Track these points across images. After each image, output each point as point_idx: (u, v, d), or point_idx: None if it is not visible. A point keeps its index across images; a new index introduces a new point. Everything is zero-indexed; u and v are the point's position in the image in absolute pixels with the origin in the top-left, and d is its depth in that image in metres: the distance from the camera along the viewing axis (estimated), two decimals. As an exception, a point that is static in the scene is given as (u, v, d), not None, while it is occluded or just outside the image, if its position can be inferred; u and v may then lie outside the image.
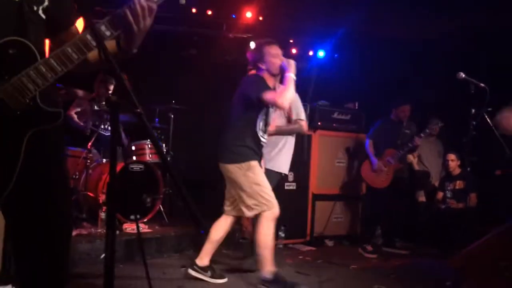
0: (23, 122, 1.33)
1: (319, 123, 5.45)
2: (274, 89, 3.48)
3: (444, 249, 4.69)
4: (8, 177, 1.33)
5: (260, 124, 3.44)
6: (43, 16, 1.45)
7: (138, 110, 1.19)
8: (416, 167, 5.99)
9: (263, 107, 3.41)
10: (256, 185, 3.32)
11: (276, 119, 4.07)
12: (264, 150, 3.78)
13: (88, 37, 1.36)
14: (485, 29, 5.41)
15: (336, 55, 7.07)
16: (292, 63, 3.33)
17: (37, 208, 1.46)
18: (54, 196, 1.51)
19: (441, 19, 5.45)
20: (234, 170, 3.38)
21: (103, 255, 3.70)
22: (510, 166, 4.62)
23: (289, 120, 4.15)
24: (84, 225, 4.08)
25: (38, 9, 1.43)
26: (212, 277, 3.47)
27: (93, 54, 1.43)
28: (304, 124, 4.14)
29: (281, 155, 4.17)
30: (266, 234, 3.30)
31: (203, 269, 3.48)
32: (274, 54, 3.39)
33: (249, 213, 3.38)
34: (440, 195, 5.59)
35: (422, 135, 5.11)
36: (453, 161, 5.49)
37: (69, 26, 1.55)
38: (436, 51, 5.88)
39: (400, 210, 5.22)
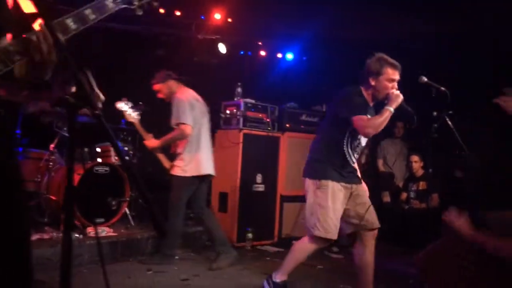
0: None
1: (287, 125, 5.49)
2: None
3: (407, 248, 4.80)
4: None
5: (349, 143, 3.09)
6: None
7: (96, 112, 1.16)
8: (381, 168, 6.13)
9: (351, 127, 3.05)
10: (320, 207, 3.05)
11: None
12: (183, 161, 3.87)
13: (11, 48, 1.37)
14: (449, 32, 5.58)
15: (304, 58, 7.15)
16: (398, 98, 3.02)
17: None
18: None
19: (406, 22, 5.59)
20: (308, 184, 3.16)
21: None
22: (469, 168, 4.78)
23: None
24: (46, 229, 3.97)
25: None
26: None
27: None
28: (184, 128, 3.97)
29: (198, 158, 4.09)
30: (302, 250, 3.19)
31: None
32: (391, 80, 3.06)
33: (309, 232, 3.14)
34: (404, 195, 5.74)
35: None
36: (416, 163, 5.64)
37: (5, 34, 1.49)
38: (400, 53, 6.01)
39: None
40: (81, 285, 3.25)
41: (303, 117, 5.69)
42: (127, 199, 4.53)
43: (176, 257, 4.22)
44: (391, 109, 2.97)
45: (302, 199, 5.50)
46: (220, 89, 5.88)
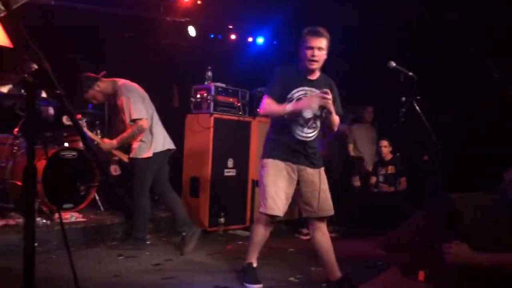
0: None
1: (258, 110, 5.48)
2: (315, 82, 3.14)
3: (375, 231, 4.92)
4: None
5: (289, 116, 3.07)
6: None
7: (58, 92, 1.13)
8: (352, 152, 6.22)
9: (284, 99, 3.07)
10: (263, 185, 3.14)
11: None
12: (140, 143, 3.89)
13: None
14: (416, 19, 5.67)
15: (275, 42, 7.13)
16: (300, 105, 3.00)
17: None
18: None
19: (375, 7, 5.64)
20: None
21: (36, 244, 3.55)
22: (435, 152, 4.92)
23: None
24: (12, 215, 3.86)
25: None
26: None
27: None
28: (141, 123, 3.89)
29: (154, 138, 4.03)
30: (254, 231, 3.27)
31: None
32: (309, 47, 3.04)
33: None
34: (373, 179, 5.86)
35: (346, 122, 5.24)
36: (386, 147, 5.76)
37: None
38: (369, 39, 6.09)
39: (332, 196, 5.32)
40: (51, 271, 3.20)
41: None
42: (96, 184, 4.45)
43: (148, 242, 4.20)
44: (286, 109, 3.01)
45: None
46: (190, 73, 5.81)
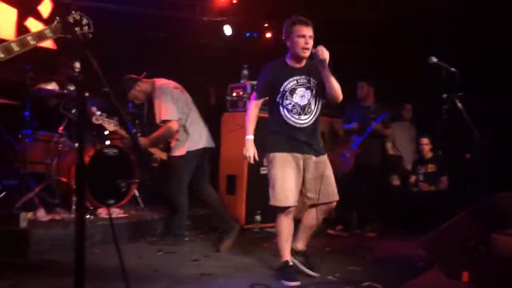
0: None
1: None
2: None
3: (416, 231, 4.81)
4: None
5: (284, 106, 3.22)
6: None
7: (106, 89, 1.16)
8: (390, 151, 6.11)
9: (278, 92, 3.24)
10: (271, 179, 3.26)
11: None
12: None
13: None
14: (458, 12, 5.49)
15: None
16: None
17: None
18: None
19: (411, 3, 5.50)
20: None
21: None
22: (478, 150, 4.76)
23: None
24: (57, 210, 4.01)
25: None
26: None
27: None
28: (171, 125, 3.97)
29: (189, 136, 4.10)
30: (276, 227, 3.34)
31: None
32: (301, 35, 3.13)
33: None
34: (412, 178, 5.73)
35: (378, 120, 5.11)
36: (427, 145, 5.62)
37: None
38: (409, 34, 5.95)
39: (370, 195, 5.26)
40: (94, 265, 3.30)
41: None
42: (137, 181, 4.56)
43: (186, 238, 4.27)
44: (247, 137, 3.35)
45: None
46: (226, 72, 5.85)
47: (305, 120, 3.25)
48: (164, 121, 3.98)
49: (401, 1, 5.55)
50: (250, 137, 3.31)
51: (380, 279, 3.26)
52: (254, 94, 3.37)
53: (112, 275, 3.01)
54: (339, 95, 3.21)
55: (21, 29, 5.43)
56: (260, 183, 5.05)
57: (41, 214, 3.80)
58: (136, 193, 4.69)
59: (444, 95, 3.78)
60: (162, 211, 4.51)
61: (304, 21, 3.15)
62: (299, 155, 3.23)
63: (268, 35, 6.89)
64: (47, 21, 5.62)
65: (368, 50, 6.03)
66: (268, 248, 4.29)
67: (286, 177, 3.18)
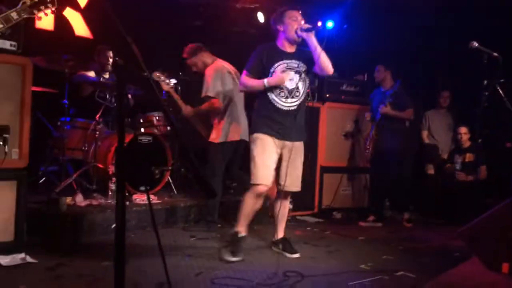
0: None
1: (327, 95, 5.42)
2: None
3: (452, 221, 4.70)
4: None
5: (272, 88, 3.33)
6: None
7: (146, 74, 1.17)
8: (426, 140, 5.96)
9: (268, 74, 3.36)
10: (252, 159, 3.37)
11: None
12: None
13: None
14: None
15: (345, 26, 6.93)
16: (280, 79, 3.35)
17: None
18: None
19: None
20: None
21: (114, 225, 3.78)
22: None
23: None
24: (95, 196, 4.12)
25: None
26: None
27: None
28: (213, 101, 4.08)
29: (230, 126, 4.15)
30: (244, 201, 3.41)
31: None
32: (294, 17, 3.36)
33: None
34: (448, 167, 5.56)
35: (386, 102, 4.93)
36: (465, 134, 5.44)
37: None
38: (446, 20, 5.75)
39: (400, 182, 5.13)
40: (131, 248, 3.38)
41: (344, 87, 5.58)
42: (170, 168, 4.62)
43: (218, 225, 4.31)
44: (265, 82, 3.28)
45: (342, 170, 5.50)
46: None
47: (292, 103, 3.35)
48: (208, 97, 4.09)
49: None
50: (267, 79, 3.31)
51: (414, 268, 3.21)
52: (244, 72, 3.41)
53: (148, 257, 3.09)
54: (328, 66, 3.32)
55: (60, 20, 5.56)
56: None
57: (79, 199, 3.92)
58: (170, 180, 4.76)
59: (485, 82, 3.65)
60: (195, 197, 4.57)
61: (295, 6, 3.38)
62: (279, 142, 3.36)
63: (302, 21, 6.81)
64: (84, 11, 5.73)
65: (396, 31, 5.86)
66: (301, 236, 4.29)
67: (267, 158, 3.32)
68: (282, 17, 3.37)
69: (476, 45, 3.51)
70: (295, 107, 3.37)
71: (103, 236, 3.64)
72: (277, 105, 3.34)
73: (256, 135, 3.38)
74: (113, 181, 4.10)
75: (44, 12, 2.15)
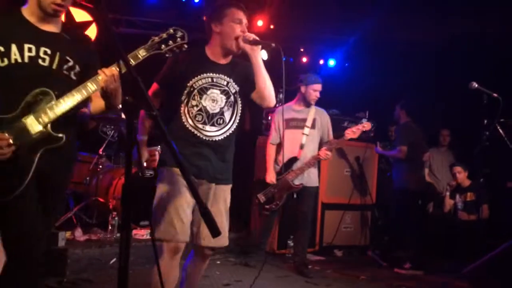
0: (37, 142, 1.87)
1: (329, 132, 5.45)
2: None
3: (455, 261, 4.63)
4: (20, 182, 1.82)
5: (187, 108, 2.40)
6: (74, 78, 2.02)
7: (154, 113, 1.19)
8: (427, 178, 5.95)
9: (184, 87, 2.41)
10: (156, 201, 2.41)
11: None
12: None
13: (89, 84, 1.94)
14: (499, 36, 5.37)
15: (347, 64, 7.08)
16: None
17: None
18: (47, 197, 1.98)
19: (452, 26, 5.43)
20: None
21: (113, 260, 3.73)
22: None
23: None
24: (94, 230, 4.09)
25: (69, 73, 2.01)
26: None
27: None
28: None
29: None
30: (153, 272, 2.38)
31: None
32: (238, 20, 2.43)
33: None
34: (448, 205, 5.52)
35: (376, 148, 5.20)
36: (460, 173, 5.44)
37: None
38: (447, 60, 5.86)
39: (409, 223, 5.10)
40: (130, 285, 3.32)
41: (345, 124, 5.60)
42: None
43: (218, 262, 4.25)
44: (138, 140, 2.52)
45: (343, 206, 5.48)
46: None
47: (212, 133, 2.40)
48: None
49: (443, 24, 5.50)
50: (140, 137, 2.56)
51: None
52: (154, 84, 2.46)
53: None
54: (271, 96, 2.51)
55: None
56: (293, 208, 5.00)
57: (79, 234, 3.88)
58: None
59: (485, 121, 3.68)
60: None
61: (242, 6, 2.48)
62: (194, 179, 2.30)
63: (304, 59, 6.94)
64: (92, 45, 5.84)
65: (401, 72, 5.98)
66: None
67: (174, 203, 2.31)
68: (221, 15, 2.43)
69: (476, 85, 3.56)
70: (216, 140, 2.41)
71: (101, 272, 3.58)
72: (192, 130, 2.39)
73: (162, 169, 2.44)
74: (113, 215, 4.08)
75: (174, 47, 2.06)
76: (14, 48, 1.89)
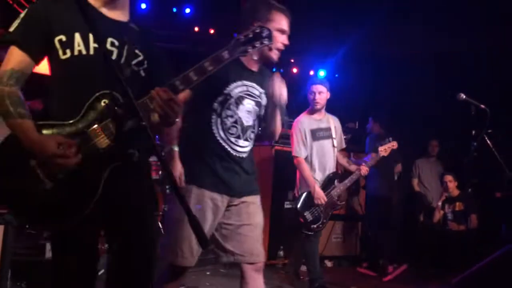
0: (105, 158, 1.53)
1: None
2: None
3: (445, 270, 4.65)
4: (84, 205, 1.49)
5: (220, 121, 2.17)
6: (143, 75, 1.69)
7: (144, 123, 1.18)
8: (416, 188, 5.99)
9: (219, 94, 2.17)
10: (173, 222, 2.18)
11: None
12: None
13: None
14: (487, 49, 5.47)
15: (336, 75, 7.14)
16: None
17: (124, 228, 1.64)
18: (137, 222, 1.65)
19: (441, 38, 5.52)
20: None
21: (101, 271, 3.67)
22: (510, 188, 4.63)
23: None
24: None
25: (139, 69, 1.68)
26: None
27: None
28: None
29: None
30: None
31: None
32: (281, 30, 2.22)
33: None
34: (438, 216, 5.56)
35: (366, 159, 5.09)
36: (451, 182, 5.49)
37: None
38: (435, 71, 5.94)
39: (385, 228, 5.14)
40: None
41: (336, 134, 5.64)
42: (160, 213, 4.57)
43: (208, 273, 4.22)
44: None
45: (333, 217, 5.46)
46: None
47: (242, 149, 2.22)
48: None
49: (430, 38, 5.58)
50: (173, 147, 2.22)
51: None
52: None
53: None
54: (276, 137, 2.44)
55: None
56: (283, 218, 5.01)
57: (67, 244, 3.82)
58: (160, 225, 4.69)
59: (473, 132, 3.72)
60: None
61: (288, 14, 2.26)
62: (224, 197, 2.17)
63: (294, 70, 6.98)
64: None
65: (394, 84, 6.04)
66: (292, 285, 4.20)
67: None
68: (267, 18, 2.16)
69: (464, 97, 3.60)
70: (247, 155, 2.25)
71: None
72: (224, 145, 2.17)
73: (191, 187, 2.15)
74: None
75: (260, 48, 1.68)
76: (78, 37, 1.57)
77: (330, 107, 6.24)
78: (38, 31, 1.55)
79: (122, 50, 1.62)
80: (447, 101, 4.31)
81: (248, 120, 2.22)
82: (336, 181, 3.96)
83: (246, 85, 2.21)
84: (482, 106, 3.58)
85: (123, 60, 1.62)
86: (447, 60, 5.75)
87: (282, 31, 2.21)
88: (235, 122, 2.18)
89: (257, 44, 1.65)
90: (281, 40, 2.20)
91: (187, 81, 1.53)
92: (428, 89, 5.99)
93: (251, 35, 1.64)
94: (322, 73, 6.99)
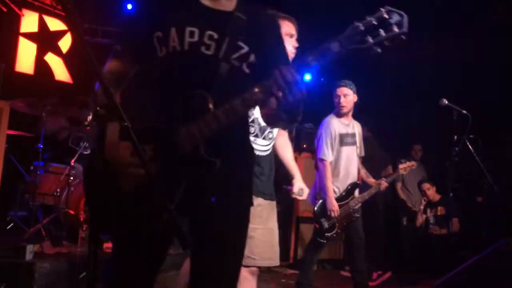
0: (184, 166, 1.39)
1: (304, 146, 5.49)
2: None
3: (428, 274, 4.70)
4: (153, 220, 1.35)
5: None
6: (247, 71, 1.52)
7: (126, 124, 1.17)
8: (400, 192, 6.05)
9: None
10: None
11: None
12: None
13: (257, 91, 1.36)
14: (469, 55, 5.56)
15: (322, 79, 7.18)
16: None
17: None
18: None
19: (425, 44, 5.59)
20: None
21: (82, 274, 3.63)
22: (490, 192, 4.71)
23: None
24: (64, 243, 3.98)
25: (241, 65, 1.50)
26: None
27: None
28: None
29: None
30: None
31: None
32: (290, 34, 2.39)
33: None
34: (420, 219, 5.62)
35: None
36: (429, 190, 5.58)
37: None
38: (419, 76, 6.02)
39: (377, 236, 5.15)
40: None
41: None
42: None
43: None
44: None
45: (318, 220, 5.49)
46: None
47: (262, 147, 2.33)
48: None
49: (414, 43, 5.65)
50: None
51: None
52: None
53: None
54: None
55: (40, 64, 5.58)
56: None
57: (48, 247, 3.77)
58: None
59: (455, 137, 3.78)
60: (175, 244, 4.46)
61: (293, 19, 2.43)
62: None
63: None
64: (65, 56, 5.78)
65: (377, 89, 6.10)
66: (276, 287, 4.20)
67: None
68: None
69: (446, 102, 3.66)
70: (267, 153, 2.37)
71: (71, 285, 3.48)
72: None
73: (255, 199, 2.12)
74: (84, 228, 3.99)
75: (387, 40, 1.33)
76: (173, 32, 1.44)
77: (316, 111, 6.29)
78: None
79: (222, 43, 1.46)
80: (430, 106, 4.38)
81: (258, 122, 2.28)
82: (356, 191, 3.82)
83: None
84: (464, 111, 3.64)
85: (221, 54, 1.46)
86: (431, 65, 5.84)
87: (290, 35, 2.36)
88: (252, 121, 2.25)
89: (382, 35, 1.31)
90: (291, 44, 2.35)
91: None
92: (411, 94, 6.06)
93: (374, 22, 1.31)
94: (308, 77, 7.02)
